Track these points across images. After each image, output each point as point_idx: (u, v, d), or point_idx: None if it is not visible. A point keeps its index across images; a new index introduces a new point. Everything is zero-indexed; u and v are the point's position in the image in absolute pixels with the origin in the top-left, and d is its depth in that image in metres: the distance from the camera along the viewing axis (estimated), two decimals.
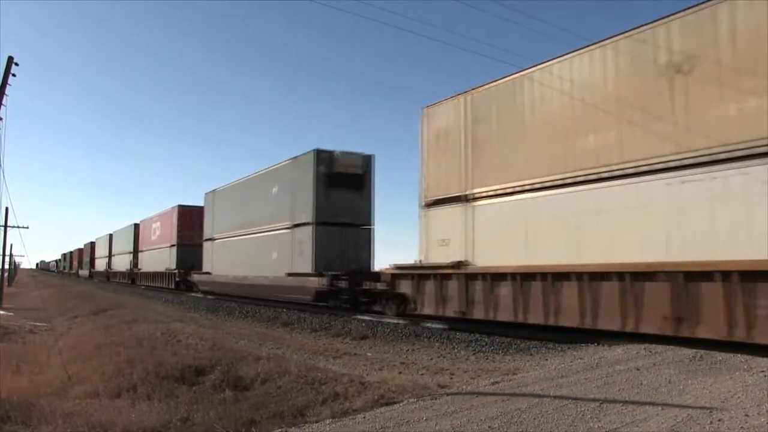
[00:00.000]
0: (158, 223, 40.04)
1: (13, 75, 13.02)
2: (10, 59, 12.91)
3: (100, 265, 64.43)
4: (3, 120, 13.59)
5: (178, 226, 34.89)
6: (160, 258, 38.14)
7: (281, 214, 21.37)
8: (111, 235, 58.47)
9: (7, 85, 12.91)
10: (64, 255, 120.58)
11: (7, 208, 34.89)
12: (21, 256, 74.64)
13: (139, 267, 44.91)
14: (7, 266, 39.69)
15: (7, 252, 39.09)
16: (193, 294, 31.09)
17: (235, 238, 25.93)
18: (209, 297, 28.41)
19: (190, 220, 34.54)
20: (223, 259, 27.36)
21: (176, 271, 34.27)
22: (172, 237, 35.68)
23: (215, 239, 28.52)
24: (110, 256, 58.16)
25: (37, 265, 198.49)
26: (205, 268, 29.60)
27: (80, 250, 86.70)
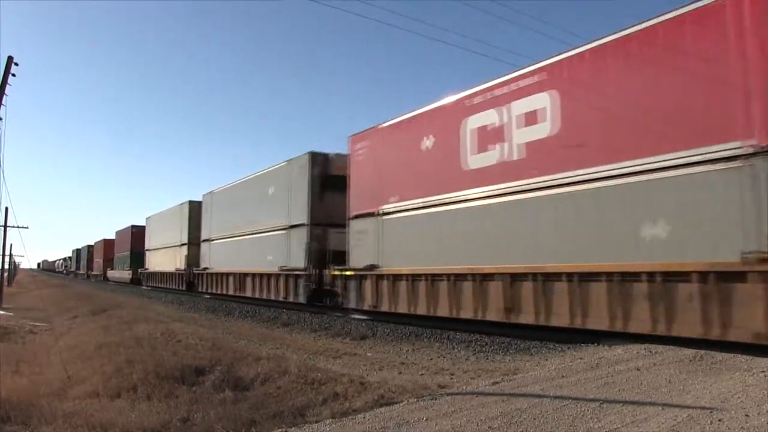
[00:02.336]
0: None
1: (13, 75, 13.06)
2: (10, 59, 12.93)
3: (162, 262, 37.26)
4: (3, 120, 13.62)
5: None
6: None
7: None
8: (189, 207, 31.68)
9: (7, 85, 12.93)
10: (77, 251, 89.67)
11: (6, 208, 34.99)
12: (21, 256, 74.32)
13: (380, 264, 15.04)
14: (6, 266, 39.59)
15: (7, 252, 38.86)
16: None
17: None
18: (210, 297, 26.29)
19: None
20: None
21: None
22: None
23: None
24: (191, 244, 30.95)
25: (38, 265, 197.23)
26: None
27: (107, 242, 59.28)
